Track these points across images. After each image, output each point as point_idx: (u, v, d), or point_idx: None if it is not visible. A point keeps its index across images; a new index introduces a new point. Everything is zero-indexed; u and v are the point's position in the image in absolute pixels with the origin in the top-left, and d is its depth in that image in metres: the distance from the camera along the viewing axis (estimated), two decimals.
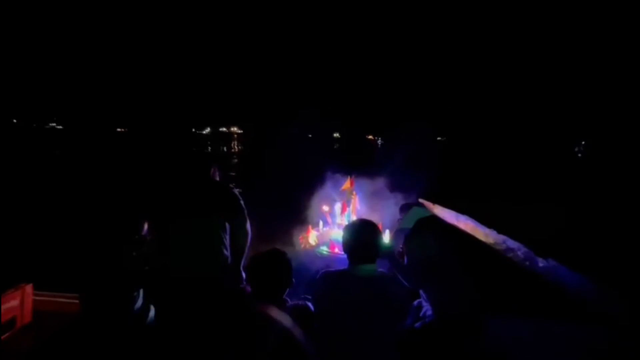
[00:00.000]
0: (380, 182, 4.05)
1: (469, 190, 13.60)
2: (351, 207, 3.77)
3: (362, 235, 2.01)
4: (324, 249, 3.45)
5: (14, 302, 2.69)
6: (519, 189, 15.26)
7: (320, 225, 3.75)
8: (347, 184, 3.92)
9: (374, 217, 2.74)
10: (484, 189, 14.56)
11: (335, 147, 67.72)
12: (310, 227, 3.70)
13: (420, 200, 3.59)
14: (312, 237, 3.62)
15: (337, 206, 3.87)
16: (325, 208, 3.82)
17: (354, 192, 3.84)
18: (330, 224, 3.82)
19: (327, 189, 4.06)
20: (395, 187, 4.07)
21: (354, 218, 3.60)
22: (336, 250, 3.37)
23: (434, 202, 3.59)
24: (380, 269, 1.98)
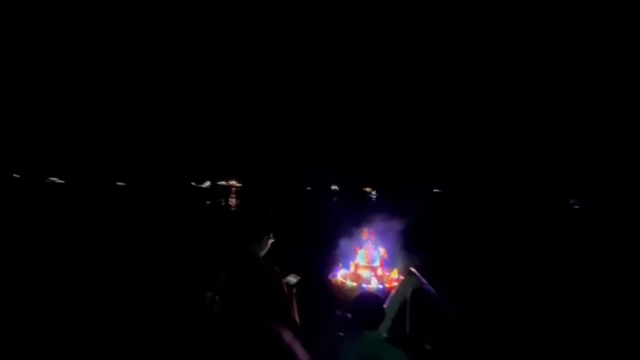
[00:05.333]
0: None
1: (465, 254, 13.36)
2: (364, 251, 4.39)
3: (359, 304, 2.30)
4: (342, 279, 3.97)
5: None
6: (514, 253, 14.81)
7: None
8: (365, 233, 4.93)
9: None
10: (477, 253, 14.31)
11: (333, 199, 67.26)
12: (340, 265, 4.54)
13: (412, 269, 3.83)
14: (341, 274, 4.39)
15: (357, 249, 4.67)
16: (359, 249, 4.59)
17: (369, 242, 4.80)
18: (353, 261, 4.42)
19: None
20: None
21: (373, 261, 4.38)
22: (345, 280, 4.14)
23: (426, 269, 3.88)
24: (386, 335, 2.18)
